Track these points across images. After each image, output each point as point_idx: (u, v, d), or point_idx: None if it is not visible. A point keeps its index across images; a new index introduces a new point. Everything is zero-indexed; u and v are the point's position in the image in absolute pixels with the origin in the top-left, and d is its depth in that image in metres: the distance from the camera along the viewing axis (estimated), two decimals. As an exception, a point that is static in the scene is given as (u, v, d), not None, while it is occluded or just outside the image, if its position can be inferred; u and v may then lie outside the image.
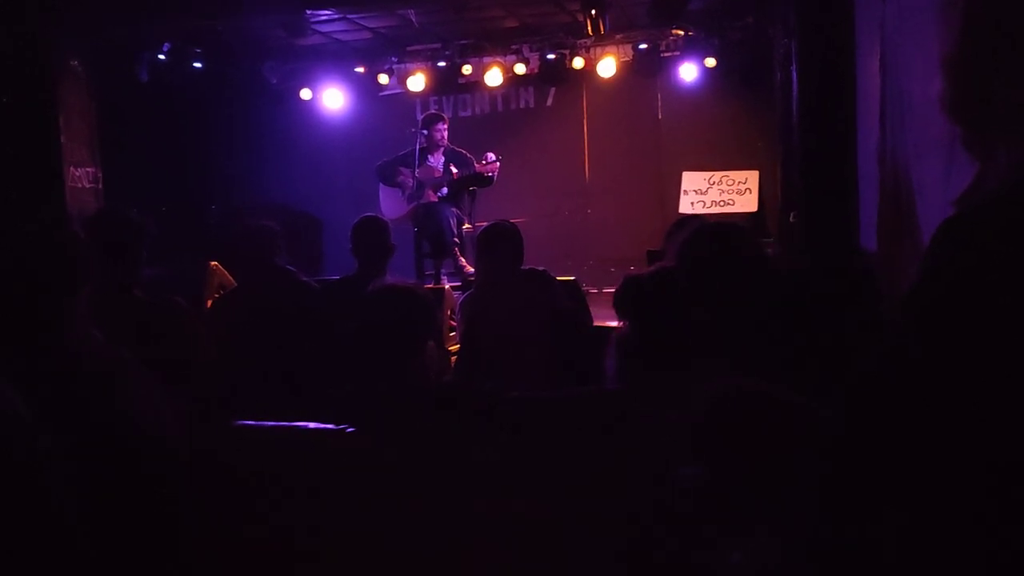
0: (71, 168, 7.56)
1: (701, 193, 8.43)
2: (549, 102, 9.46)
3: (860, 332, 2.23)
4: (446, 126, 7.46)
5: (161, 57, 8.29)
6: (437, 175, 7.33)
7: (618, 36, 8.64)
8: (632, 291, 2.30)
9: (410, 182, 7.32)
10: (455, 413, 2.17)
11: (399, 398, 2.24)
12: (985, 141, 1.22)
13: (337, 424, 2.13)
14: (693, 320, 2.21)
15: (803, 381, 1.72)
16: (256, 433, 2.18)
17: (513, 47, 8.90)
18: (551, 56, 8.66)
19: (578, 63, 8.71)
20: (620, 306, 2.32)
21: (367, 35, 8.77)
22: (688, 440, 1.59)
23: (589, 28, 7.30)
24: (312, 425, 2.14)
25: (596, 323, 4.12)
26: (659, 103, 9.16)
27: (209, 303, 4.80)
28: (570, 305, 3.92)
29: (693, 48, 8.42)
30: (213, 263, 5.49)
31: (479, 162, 7.22)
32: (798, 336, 2.22)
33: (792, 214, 6.05)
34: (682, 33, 8.49)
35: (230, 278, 5.28)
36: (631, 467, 1.81)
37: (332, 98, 9.34)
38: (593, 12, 7.01)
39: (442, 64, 8.88)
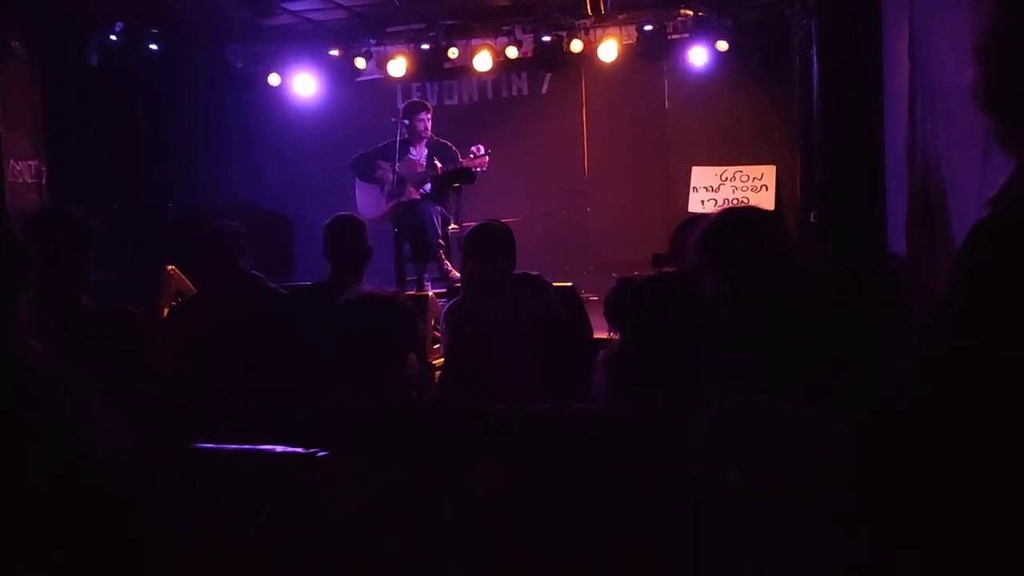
0: (11, 161, 7.54)
1: (712, 190, 8.47)
2: (544, 89, 9.48)
3: (887, 342, 2.24)
4: (430, 115, 7.47)
5: (113, 38, 8.28)
6: (419, 170, 7.33)
7: (621, 16, 8.67)
8: (628, 297, 2.29)
9: (390, 177, 7.33)
10: (439, 433, 2.16)
11: (376, 418, 2.24)
12: (1021, 136, 1.23)
13: (307, 447, 2.13)
14: (705, 329, 2.20)
15: (825, 397, 1.72)
16: (217, 456, 2.18)
17: (504, 28, 8.92)
18: (546, 38, 8.69)
19: (576, 46, 8.73)
20: (613, 314, 2.31)
21: (342, 14, 8.78)
22: (696, 467, 1.59)
23: (588, 7, 7.32)
24: (279, 448, 2.14)
25: (596, 334, 4.11)
26: (666, 90, 9.19)
27: (165, 312, 4.80)
28: (567, 314, 3.92)
29: (704, 30, 8.45)
30: (170, 267, 5.47)
31: (466, 155, 7.23)
32: (820, 347, 2.23)
33: (812, 213, 6.07)
34: (691, 13, 8.52)
35: (189, 284, 5.27)
36: (631, 494, 1.81)
37: (303, 84, 9.34)
38: (593, -11, 7.05)
39: (426, 47, 8.90)
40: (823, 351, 2.23)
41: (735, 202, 8.39)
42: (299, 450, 2.13)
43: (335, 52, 9.19)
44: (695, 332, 2.21)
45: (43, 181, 7.93)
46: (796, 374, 2.20)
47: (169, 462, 2.13)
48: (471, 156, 7.20)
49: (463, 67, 9.13)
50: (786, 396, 1.77)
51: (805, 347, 2.23)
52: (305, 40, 9.12)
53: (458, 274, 6.28)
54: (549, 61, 8.87)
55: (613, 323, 2.32)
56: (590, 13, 7.63)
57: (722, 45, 8.38)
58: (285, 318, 3.88)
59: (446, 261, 7.15)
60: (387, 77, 9.14)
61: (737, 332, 2.22)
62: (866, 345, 2.20)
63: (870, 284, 2.50)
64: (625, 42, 8.73)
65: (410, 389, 2.48)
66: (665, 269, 2.53)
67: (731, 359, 2.17)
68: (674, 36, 8.73)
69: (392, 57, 9.00)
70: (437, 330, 4.63)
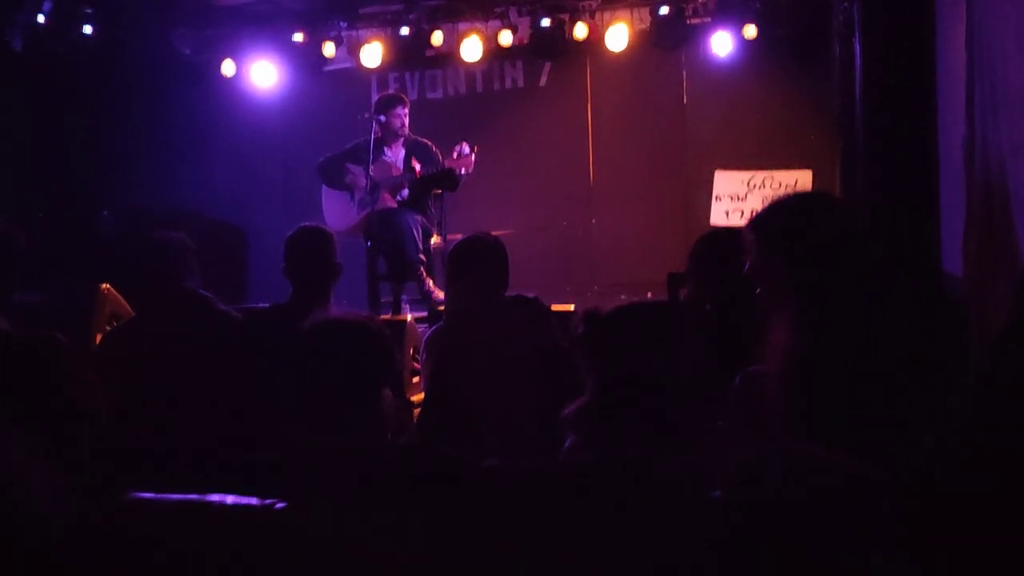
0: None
1: (738, 199, 8.48)
2: (543, 81, 9.52)
3: (942, 378, 2.24)
4: (407, 110, 7.49)
5: (40, 19, 8.28)
6: (396, 173, 7.35)
7: (632, -3, 8.73)
8: (594, 335, 2.32)
9: (361, 183, 7.33)
10: (416, 484, 2.15)
11: (344, 464, 2.23)
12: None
13: (263, 497, 2.12)
14: (691, 372, 2.24)
15: (868, 445, 1.71)
16: (157, 508, 2.16)
17: (497, 11, 8.96)
18: (546, 22, 8.73)
19: (580, 31, 8.77)
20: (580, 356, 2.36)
21: (308, -7, 8.84)
22: (714, 528, 1.59)
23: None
24: (230, 499, 2.13)
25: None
26: (684, 84, 9.24)
27: (98, 338, 4.78)
28: (568, 344, 3.91)
29: (728, 13, 8.50)
30: (104, 286, 5.47)
31: (450, 156, 7.25)
32: (861, 383, 2.23)
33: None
34: (714, -6, 8.58)
35: (126, 306, 5.27)
36: (636, 558, 1.81)
37: (262, 74, 9.36)
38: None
39: (405, 31, 8.93)
40: (865, 388, 2.23)
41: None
42: (253, 501, 2.12)
43: (299, 37, 9.20)
44: (676, 377, 2.25)
45: (-44, 186, 7.92)
46: (833, 415, 2.20)
47: (100, 516, 2.12)
48: (456, 156, 7.20)
49: (448, 55, 9.16)
50: (820, 441, 1.77)
51: (844, 383, 2.23)
52: (264, 23, 9.15)
53: (441, 296, 6.28)
54: (548, 49, 8.91)
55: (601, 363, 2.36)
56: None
57: (750, 31, 8.42)
58: (239, 346, 3.88)
59: (427, 280, 7.15)
60: (359, 66, 9.17)
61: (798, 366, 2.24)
62: (916, 381, 2.20)
63: (921, 310, 2.51)
64: (637, 27, 8.76)
65: (384, 431, 2.47)
66: (680, 291, 2.56)
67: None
68: (694, 20, 8.78)
69: (366, 43, 9.03)
70: (416, 361, 4.63)
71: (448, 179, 7.31)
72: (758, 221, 2.62)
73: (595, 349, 2.38)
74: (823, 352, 2.26)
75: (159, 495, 2.17)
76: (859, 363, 2.23)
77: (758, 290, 2.57)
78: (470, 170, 7.22)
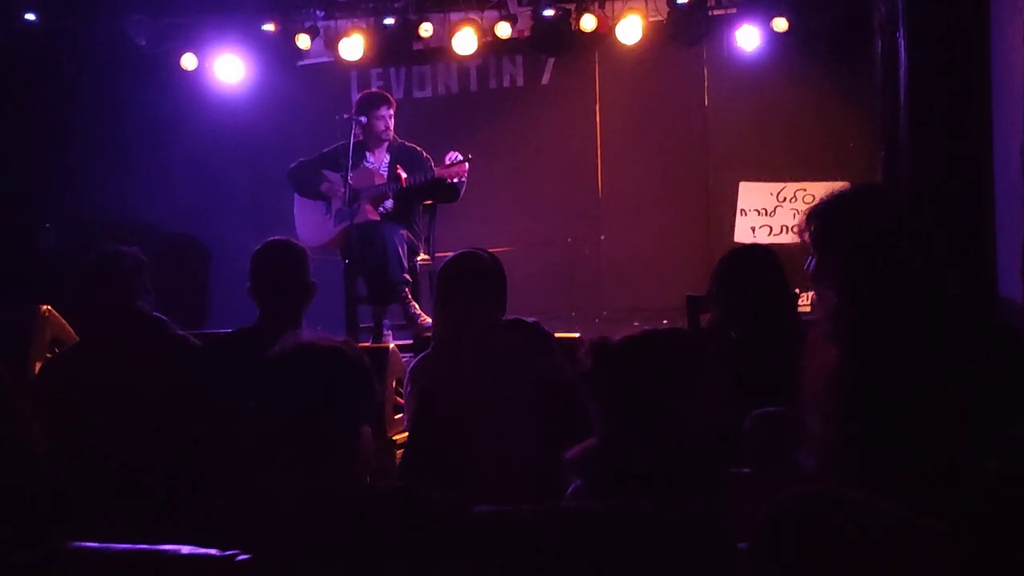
0: None
1: (766, 214, 8.49)
2: (545, 79, 9.54)
3: (996, 417, 2.24)
4: (392, 111, 7.51)
5: (-24, 5, 8.31)
6: (379, 181, 7.36)
7: (647, -15, 8.76)
8: (603, 368, 2.33)
9: (339, 191, 7.34)
10: (399, 533, 2.15)
11: (316, 511, 2.22)
12: None
13: (223, 548, 2.11)
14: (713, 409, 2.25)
15: (921, 489, 1.71)
16: (102, 558, 2.16)
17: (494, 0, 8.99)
18: (549, 12, 8.74)
19: (588, 23, 8.78)
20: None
21: (280, -22, 8.87)
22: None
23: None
24: (186, 549, 2.12)
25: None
26: (706, 83, 9.25)
27: (37, 366, 4.77)
28: (572, 375, 3.91)
29: (756, 3, 8.52)
30: (44, 308, 5.47)
31: (440, 164, 7.26)
32: (914, 418, 2.23)
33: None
34: (740, -18, 8.61)
35: (70, 330, 5.27)
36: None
37: (227, 69, 9.36)
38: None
39: (390, 22, 8.95)
40: (918, 423, 2.23)
41: (795, 230, 8.39)
42: (212, 552, 2.11)
43: (270, 27, 9.21)
44: (696, 417, 2.25)
45: None
46: (880, 453, 2.20)
47: (34, 570, 2.11)
48: (447, 164, 7.20)
49: (439, 49, 9.19)
50: (865, 484, 1.76)
51: (894, 416, 2.23)
52: (230, 11, 9.16)
53: (429, 320, 6.26)
54: (552, 43, 8.91)
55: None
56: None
57: (780, 24, 8.43)
58: (198, 376, 3.87)
59: (413, 303, 7.14)
60: (338, 60, 9.18)
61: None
62: (975, 419, 2.20)
63: (974, 340, 2.51)
64: (652, 18, 8.77)
65: (362, 472, 2.46)
66: (701, 317, 2.56)
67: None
68: (717, 11, 8.80)
69: (345, 35, 9.03)
70: (400, 394, 4.62)
71: (441, 189, 7.30)
72: (816, 210, 2.61)
73: (604, 386, 2.38)
74: (873, 380, 2.26)
75: (103, 544, 2.17)
76: (912, 396, 2.22)
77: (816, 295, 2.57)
78: (463, 179, 7.22)
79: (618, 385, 2.38)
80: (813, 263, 2.57)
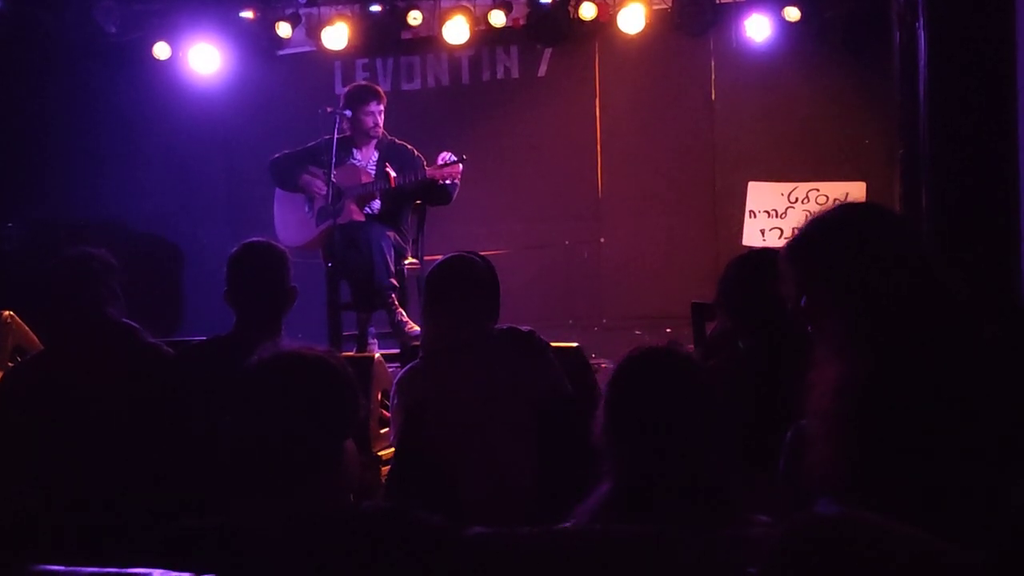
0: None
1: (776, 215, 8.49)
2: (542, 71, 9.53)
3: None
4: (381, 106, 7.50)
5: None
6: (366, 180, 7.34)
7: (650, -29, 8.77)
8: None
9: (322, 189, 7.33)
10: (384, 556, 2.13)
11: (295, 533, 2.21)
12: None
13: (197, 572, 2.10)
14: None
15: (939, 512, 1.69)
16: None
17: (487, -14, 9.00)
18: (545, 0, 8.76)
19: (588, 11, 8.78)
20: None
21: (260, -37, 8.87)
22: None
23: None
24: (156, 572, 2.11)
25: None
26: (713, 75, 9.26)
27: (-1, 376, 4.76)
28: (570, 388, 3.91)
29: (766, -8, 8.56)
30: (6, 313, 5.46)
31: (432, 164, 7.25)
32: (929, 437, 2.23)
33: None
34: (749, -32, 8.62)
35: (34, 338, 5.26)
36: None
37: (203, 58, 9.36)
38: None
39: (376, 8, 8.95)
40: (933, 442, 2.23)
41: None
42: (185, 575, 2.10)
43: (248, 14, 9.21)
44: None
45: None
46: (894, 474, 2.20)
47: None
48: (438, 164, 7.18)
49: (428, 38, 9.20)
50: (877, 506, 1.75)
51: (907, 434, 2.23)
52: (207, -3, 9.17)
53: (416, 329, 6.26)
54: (549, 32, 8.93)
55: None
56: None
57: (792, 13, 8.45)
58: (169, 387, 3.86)
59: (400, 310, 7.13)
60: (321, 50, 9.18)
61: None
62: (998, 438, 2.20)
63: (1002, 350, 2.50)
64: (656, 6, 8.78)
65: (346, 491, 2.45)
66: (707, 325, 2.56)
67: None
68: (725, 0, 8.81)
69: (329, 22, 9.04)
70: (386, 407, 4.61)
71: (432, 191, 7.28)
72: (797, 244, 2.62)
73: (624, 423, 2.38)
74: (882, 394, 2.25)
75: (70, 567, 2.16)
76: (926, 413, 2.22)
77: (807, 327, 2.56)
78: (456, 181, 7.20)
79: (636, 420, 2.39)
80: (805, 302, 2.57)
